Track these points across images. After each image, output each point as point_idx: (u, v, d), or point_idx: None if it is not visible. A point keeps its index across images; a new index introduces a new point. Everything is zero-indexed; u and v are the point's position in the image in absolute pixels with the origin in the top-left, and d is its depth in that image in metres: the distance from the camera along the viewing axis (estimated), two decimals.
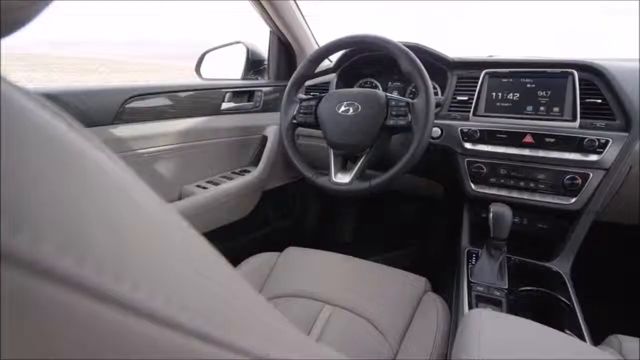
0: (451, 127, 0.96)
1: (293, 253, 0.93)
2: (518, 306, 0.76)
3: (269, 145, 1.17)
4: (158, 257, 0.13)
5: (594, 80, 0.88)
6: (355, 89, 1.01)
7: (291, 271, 0.87)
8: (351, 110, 0.86)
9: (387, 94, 0.86)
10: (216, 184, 1.05)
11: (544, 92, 0.91)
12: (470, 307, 0.76)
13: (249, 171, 1.16)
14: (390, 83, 1.18)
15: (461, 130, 0.94)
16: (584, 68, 0.89)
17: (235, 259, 0.91)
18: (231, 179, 1.10)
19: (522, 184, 0.90)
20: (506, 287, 0.80)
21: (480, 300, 0.78)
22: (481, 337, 0.50)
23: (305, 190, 1.47)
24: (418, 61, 0.82)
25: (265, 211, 1.29)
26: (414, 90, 1.13)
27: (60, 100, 0.78)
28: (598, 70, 0.87)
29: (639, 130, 0.82)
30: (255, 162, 1.17)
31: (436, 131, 0.97)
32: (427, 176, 1.14)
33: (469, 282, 0.83)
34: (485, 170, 0.92)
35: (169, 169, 0.98)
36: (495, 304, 0.77)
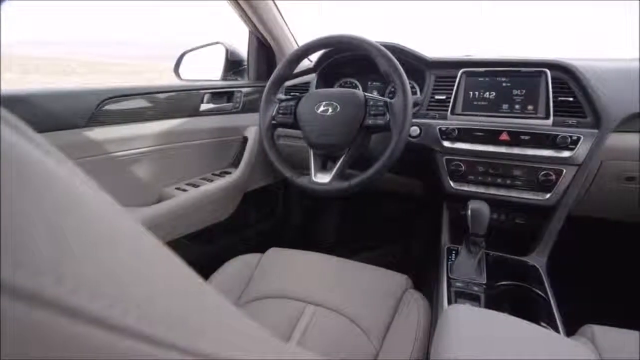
0: (430, 126, 0.97)
1: (275, 254, 0.93)
2: (496, 300, 0.78)
3: (249, 146, 1.16)
4: (103, 260, 0.13)
5: (566, 79, 0.91)
6: (334, 89, 1.01)
7: (273, 272, 0.86)
8: (330, 110, 0.86)
9: (366, 94, 0.87)
10: (196, 186, 1.04)
11: (519, 90, 0.93)
12: (449, 303, 0.78)
13: (229, 172, 1.15)
14: (370, 83, 1.19)
15: (439, 128, 0.95)
16: (556, 67, 0.91)
17: (217, 262, 0.91)
18: (211, 180, 1.09)
19: (499, 180, 0.92)
20: (484, 282, 0.82)
21: (460, 295, 0.79)
22: (458, 333, 0.51)
23: (287, 190, 1.46)
24: (395, 61, 0.82)
25: (247, 213, 1.29)
26: (393, 89, 1.14)
27: (31, 103, 0.76)
28: (569, 70, 0.90)
29: (608, 127, 0.85)
30: (236, 164, 1.16)
31: (415, 130, 0.98)
32: (408, 175, 1.15)
33: (448, 278, 0.84)
34: (463, 167, 0.94)
35: (147, 171, 0.96)
36: (473, 299, 0.78)
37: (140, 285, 0.14)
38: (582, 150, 0.85)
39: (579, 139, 0.85)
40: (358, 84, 1.20)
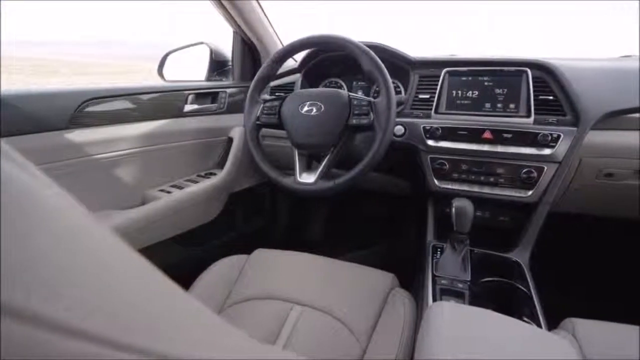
0: (414, 125, 0.98)
1: (262, 255, 0.92)
2: (480, 296, 0.79)
3: (234, 146, 1.15)
4: (60, 262, 0.12)
5: (546, 78, 0.92)
6: (318, 89, 1.01)
7: (260, 273, 0.86)
8: (314, 110, 0.86)
9: (350, 94, 0.87)
10: (181, 187, 1.03)
11: (501, 89, 0.94)
12: (434, 301, 0.78)
13: (214, 174, 1.14)
14: (355, 83, 1.19)
15: (424, 127, 0.96)
16: (537, 66, 0.93)
17: (203, 264, 0.90)
18: (196, 182, 1.08)
19: (482, 178, 0.93)
20: (469, 279, 0.83)
21: (444, 293, 0.80)
22: (441, 332, 0.51)
23: (274, 191, 1.46)
24: (379, 61, 0.83)
25: (233, 214, 1.28)
26: (377, 89, 1.15)
27: (9, 104, 0.74)
28: (549, 69, 0.91)
29: (586, 125, 0.86)
30: (221, 165, 1.15)
31: (399, 129, 0.99)
32: (393, 174, 1.16)
33: (433, 276, 0.84)
34: (447, 166, 0.95)
35: (130, 174, 0.95)
36: (458, 296, 0.79)
37: (104, 288, 0.14)
38: (562, 147, 0.87)
39: (559, 136, 0.86)
40: (343, 84, 1.20)
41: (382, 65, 0.82)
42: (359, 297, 0.78)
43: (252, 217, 1.42)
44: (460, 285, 0.81)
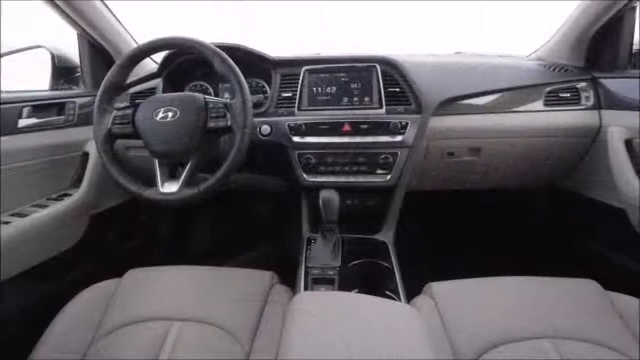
0: (279, 123, 1.00)
1: (135, 275, 0.85)
2: (350, 279, 0.84)
3: (92, 162, 1.04)
4: None
5: (393, 73, 1.01)
6: (173, 94, 0.96)
7: (134, 295, 0.80)
8: (170, 116, 0.82)
9: (206, 97, 0.84)
10: (24, 215, 0.89)
11: (356, 84, 1.01)
12: (307, 290, 0.81)
13: (69, 194, 1.01)
14: (221, 85, 1.17)
15: (288, 125, 0.99)
16: (385, 62, 1.02)
17: (67, 297, 0.80)
18: (46, 206, 0.95)
19: (347, 168, 0.99)
20: (339, 264, 0.87)
21: (316, 282, 0.83)
22: (299, 324, 0.53)
23: (150, 205, 1.36)
24: (231, 62, 0.82)
25: (102, 236, 1.16)
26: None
27: None
28: (394, 64, 1.00)
29: (428, 112, 0.97)
30: (78, 184, 1.03)
31: (266, 129, 0.99)
32: (267, 173, 1.17)
33: (306, 267, 0.88)
34: (314, 160, 0.99)
35: None
36: (329, 282, 0.83)
37: None
38: (410, 133, 0.96)
39: (407, 124, 0.96)
40: (209, 86, 1.16)
41: (234, 66, 0.81)
42: (240, 300, 0.78)
43: (127, 236, 1.30)
44: (330, 272, 0.86)
